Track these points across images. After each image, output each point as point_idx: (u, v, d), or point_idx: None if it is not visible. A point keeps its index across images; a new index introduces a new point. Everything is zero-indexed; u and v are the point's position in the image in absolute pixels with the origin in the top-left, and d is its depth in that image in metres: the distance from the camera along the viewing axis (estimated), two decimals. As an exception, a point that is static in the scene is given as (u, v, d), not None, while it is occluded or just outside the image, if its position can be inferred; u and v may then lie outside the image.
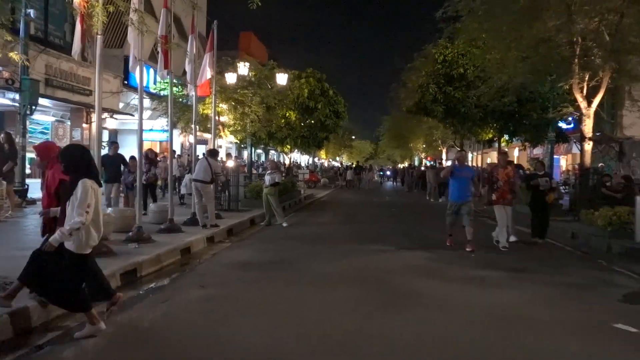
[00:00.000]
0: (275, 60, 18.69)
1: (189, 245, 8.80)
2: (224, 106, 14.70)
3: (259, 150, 38.74)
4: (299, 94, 21.70)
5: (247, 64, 16.42)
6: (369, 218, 15.14)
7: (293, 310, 5.40)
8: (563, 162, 36.21)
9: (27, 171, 17.78)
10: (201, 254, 8.76)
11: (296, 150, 27.52)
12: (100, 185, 4.46)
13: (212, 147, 13.19)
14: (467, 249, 9.09)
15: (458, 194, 9.54)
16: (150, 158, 12.53)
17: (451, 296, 6.10)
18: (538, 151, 36.49)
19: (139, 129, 8.79)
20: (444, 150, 44.43)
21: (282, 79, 19.22)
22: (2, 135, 12.01)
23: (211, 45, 12.45)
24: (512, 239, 10.09)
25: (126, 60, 22.11)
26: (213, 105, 12.64)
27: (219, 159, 12.68)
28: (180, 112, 14.38)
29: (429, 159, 57.95)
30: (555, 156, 36.85)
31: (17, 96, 14.25)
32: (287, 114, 22.05)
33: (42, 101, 16.79)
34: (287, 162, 30.29)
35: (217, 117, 15.16)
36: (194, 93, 11.30)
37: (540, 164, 11.21)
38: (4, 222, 10.12)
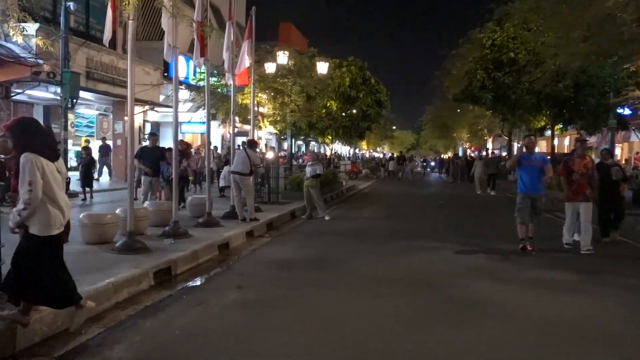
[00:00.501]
0: (315, 49, 18.13)
1: (227, 240, 8.40)
2: (263, 96, 14.27)
3: (299, 142, 38.36)
4: (340, 83, 21.07)
5: (287, 53, 15.91)
6: (414, 211, 14.43)
7: (334, 320, 4.80)
8: (618, 150, 34.10)
9: (73, 163, 18.03)
10: (240, 249, 8.34)
11: (337, 141, 26.94)
12: (53, 160, 3.91)
13: (251, 138, 12.78)
14: (528, 247, 8.22)
15: (529, 185, 8.23)
16: (180, 150, 12.26)
17: (518, 304, 5.39)
18: (593, 139, 34.65)
19: (174, 120, 8.43)
20: (490, 140, 42.87)
21: (322, 67, 18.64)
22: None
23: (249, 33, 12.00)
24: (577, 237, 8.88)
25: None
26: (252, 94, 12.21)
27: (257, 150, 12.25)
28: (220, 103, 14.03)
29: (472, 149, 56.33)
30: (605, 145, 35.08)
31: (59, 89, 14.26)
32: (328, 104, 21.47)
33: (83, 94, 16.84)
34: (327, 153, 29.78)
35: (256, 107, 14.76)
36: (232, 82, 10.87)
37: (608, 153, 10.09)
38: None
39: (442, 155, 65.46)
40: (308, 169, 12.67)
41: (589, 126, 20.27)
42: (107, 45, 7.84)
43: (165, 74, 21.94)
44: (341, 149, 50.43)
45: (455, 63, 32.67)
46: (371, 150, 69.93)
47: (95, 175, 15.19)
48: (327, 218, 12.13)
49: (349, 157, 40.68)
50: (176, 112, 8.45)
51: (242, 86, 13.56)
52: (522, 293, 5.84)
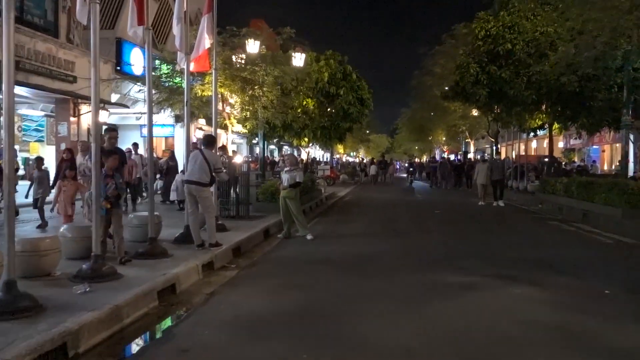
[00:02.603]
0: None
1: (173, 281, 5.84)
2: (228, 94, 11.61)
3: (272, 146, 35.72)
4: (318, 78, 18.64)
5: (257, 42, 13.39)
6: (413, 226, 12.05)
7: None
8: (596, 152, 32.60)
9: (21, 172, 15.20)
10: (192, 294, 5.80)
11: (313, 144, 24.49)
12: None
13: (208, 133, 10.17)
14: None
15: None
16: (67, 159, 9.45)
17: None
18: (578, 141, 33.08)
19: (148, 121, 5.89)
20: (472, 142, 41.09)
21: (299, 59, 16.22)
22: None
23: (210, 5, 9.49)
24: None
25: (119, 43, 19.29)
26: (214, 83, 9.69)
27: (219, 149, 9.66)
28: (176, 96, 11.38)
29: (447, 152, 54.68)
30: (595, 146, 33.54)
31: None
32: (305, 102, 19.02)
33: (18, 90, 13.98)
34: (304, 157, 27.26)
35: (221, 102, 12.20)
36: (184, 64, 8.32)
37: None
38: None
39: (415, 159, 63.65)
40: (285, 176, 10.17)
41: (592, 125, 18.34)
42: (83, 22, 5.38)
43: (118, 68, 19.17)
44: (315, 153, 47.98)
45: (438, 60, 30.74)
46: (345, 155, 67.74)
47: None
48: (309, 237, 9.69)
49: (325, 162, 38.30)
50: (150, 113, 5.89)
51: (202, 74, 11.04)
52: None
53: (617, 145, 30.69)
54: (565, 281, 6.38)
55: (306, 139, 20.58)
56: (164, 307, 5.25)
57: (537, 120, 19.86)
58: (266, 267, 7.33)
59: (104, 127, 10.45)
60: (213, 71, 9.66)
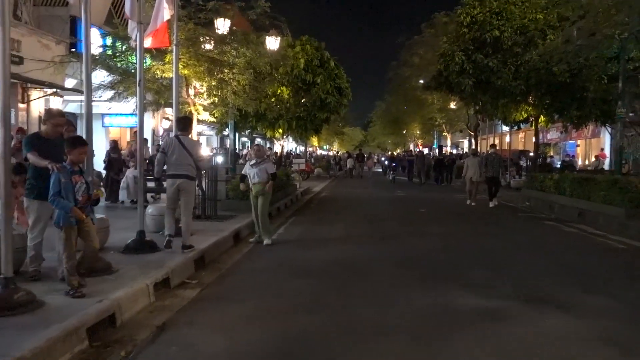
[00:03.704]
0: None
1: (111, 310, 4.46)
2: (194, 76, 10.10)
3: (244, 138, 34.15)
4: (294, 64, 17.23)
5: (228, 21, 11.93)
6: (401, 227, 10.82)
7: None
8: (572, 146, 32.09)
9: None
10: (136, 327, 4.43)
11: (287, 135, 23.10)
12: None
13: (182, 115, 8.77)
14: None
15: None
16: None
17: None
18: (555, 135, 32.58)
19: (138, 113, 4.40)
20: (449, 136, 40.37)
21: (273, 43, 14.80)
22: None
23: (170, -31, 8.02)
24: None
25: (73, 22, 17.44)
26: (175, 62, 8.25)
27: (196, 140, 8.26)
28: (129, 77, 9.81)
29: (419, 146, 54.06)
30: (571, 140, 33.08)
31: None
32: (279, 91, 17.62)
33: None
34: (277, 150, 25.87)
35: (185, 85, 10.73)
36: (136, 35, 6.86)
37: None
38: None
39: (388, 153, 62.73)
40: (254, 170, 8.60)
41: (580, 118, 17.47)
42: None
43: (73, 49, 17.33)
44: (288, 145, 46.55)
45: (417, 51, 29.74)
46: (317, 148, 66.45)
47: None
48: (266, 242, 8.37)
49: (298, 155, 36.95)
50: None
51: (162, 52, 9.56)
52: None
53: (593, 140, 30.37)
54: (599, 303, 5.25)
55: (280, 130, 19.20)
56: (95, 351, 3.88)
57: (522, 112, 18.94)
58: (235, 284, 5.98)
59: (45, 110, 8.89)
60: (174, 47, 8.21)
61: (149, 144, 18.92)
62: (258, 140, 34.94)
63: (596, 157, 26.11)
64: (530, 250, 8.18)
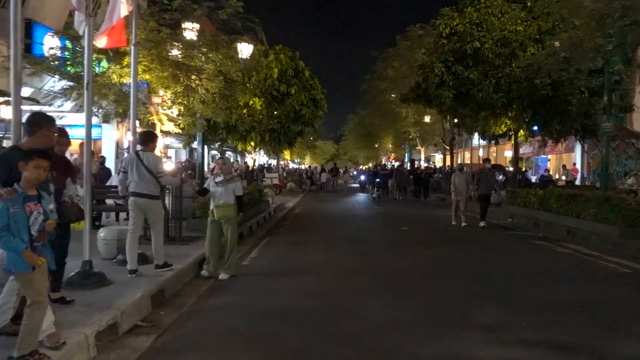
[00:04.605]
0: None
1: (33, 376, 3.38)
2: (156, 82, 9.01)
3: (214, 151, 32.81)
4: (267, 74, 16.29)
5: (197, 26, 10.92)
6: (387, 251, 9.83)
7: None
8: (544, 161, 32.02)
9: None
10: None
11: (259, 149, 22.05)
12: None
13: (145, 129, 7.84)
14: None
15: None
16: None
17: None
18: (528, 149, 32.46)
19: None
20: (423, 150, 39.96)
21: (246, 49, 13.84)
22: None
23: (128, -41, 7.01)
24: None
25: (28, 23, 16.12)
26: (133, 64, 7.22)
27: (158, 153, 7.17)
28: (82, 83, 8.65)
29: (390, 159, 53.66)
30: (543, 155, 33.02)
31: None
32: (251, 102, 16.62)
33: None
34: (249, 163, 24.75)
35: (148, 93, 9.66)
36: (84, 30, 5.82)
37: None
38: None
39: (360, 167, 62.12)
40: (219, 190, 7.25)
41: (561, 132, 17.04)
42: None
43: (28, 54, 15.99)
44: (260, 159, 45.42)
45: (391, 63, 29.20)
46: (288, 162, 65.42)
47: None
48: (222, 277, 7.02)
49: (271, 169, 35.89)
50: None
51: (120, 54, 8.50)
52: None
53: (564, 155, 30.33)
54: (636, 350, 4.44)
55: (252, 143, 18.18)
56: None
57: (502, 126, 18.43)
58: (199, 329, 4.94)
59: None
60: (132, 47, 7.18)
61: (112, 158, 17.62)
62: (229, 154, 33.80)
63: (564, 166, 26.02)
64: (534, 278, 7.36)
